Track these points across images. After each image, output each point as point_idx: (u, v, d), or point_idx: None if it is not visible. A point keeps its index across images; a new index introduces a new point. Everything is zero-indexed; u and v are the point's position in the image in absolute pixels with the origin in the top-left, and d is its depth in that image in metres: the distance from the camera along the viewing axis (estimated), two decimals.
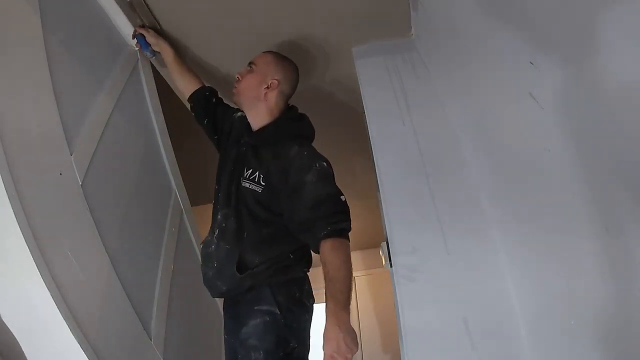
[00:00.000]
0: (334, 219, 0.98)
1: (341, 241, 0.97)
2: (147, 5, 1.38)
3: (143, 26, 1.42)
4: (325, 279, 0.93)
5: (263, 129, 1.17)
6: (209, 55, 1.61)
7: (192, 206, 1.67)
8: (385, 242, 1.16)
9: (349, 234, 1.01)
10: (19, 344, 0.80)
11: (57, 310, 0.78)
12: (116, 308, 1.02)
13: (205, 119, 1.33)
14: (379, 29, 1.52)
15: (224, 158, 1.24)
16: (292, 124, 1.21)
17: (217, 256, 1.10)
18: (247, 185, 1.11)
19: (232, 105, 1.32)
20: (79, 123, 1.07)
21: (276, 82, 1.17)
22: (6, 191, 0.75)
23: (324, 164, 1.10)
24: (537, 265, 0.89)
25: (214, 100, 1.36)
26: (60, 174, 0.94)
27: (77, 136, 1.04)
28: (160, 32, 1.45)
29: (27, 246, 0.76)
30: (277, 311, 1.00)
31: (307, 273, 1.13)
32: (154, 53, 1.46)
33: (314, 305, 1.11)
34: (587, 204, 0.66)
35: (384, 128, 1.33)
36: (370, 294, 3.92)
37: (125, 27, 1.43)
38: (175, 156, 1.62)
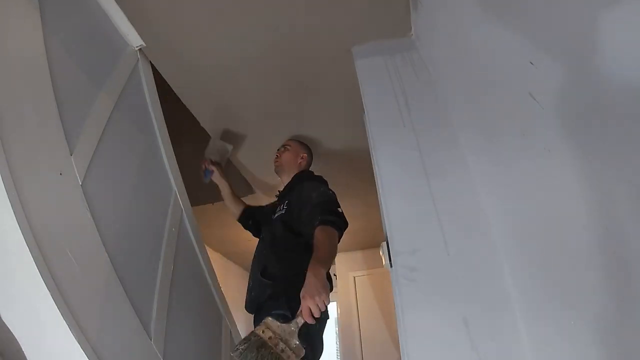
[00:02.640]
0: (327, 215, 1.28)
1: (329, 227, 1.24)
2: (229, 159, 2.05)
3: (213, 163, 1.92)
4: (313, 251, 1.18)
5: (289, 181, 1.68)
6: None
7: (192, 206, 1.67)
8: (385, 242, 1.16)
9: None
10: (19, 344, 0.80)
11: (57, 310, 0.78)
12: (116, 308, 1.02)
13: (250, 223, 1.87)
14: (379, 29, 1.52)
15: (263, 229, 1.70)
16: (305, 172, 1.74)
17: (252, 276, 1.44)
18: (276, 215, 1.53)
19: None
20: (79, 123, 1.07)
21: (306, 156, 1.81)
22: (6, 191, 0.75)
23: (329, 190, 1.49)
24: (537, 265, 0.89)
25: (251, 210, 1.90)
26: (60, 174, 0.94)
27: (77, 136, 1.04)
28: (223, 169, 1.96)
29: (27, 247, 0.76)
30: (289, 315, 1.18)
31: None
32: (210, 180, 1.93)
33: (327, 313, 1.29)
34: (587, 204, 0.66)
35: (384, 128, 1.33)
36: (370, 294, 3.93)
37: (125, 27, 1.43)
38: (175, 156, 1.62)
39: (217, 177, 1.91)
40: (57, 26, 1.08)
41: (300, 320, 1.03)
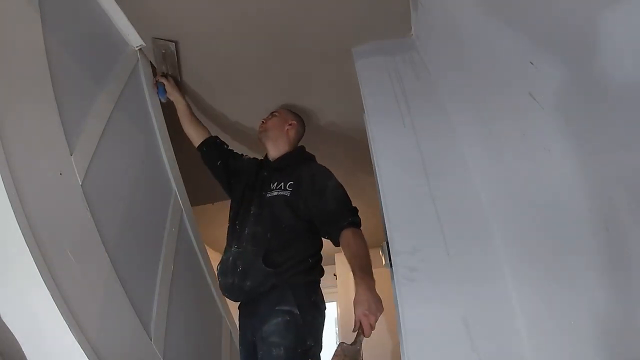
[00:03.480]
0: (352, 214, 1.26)
1: (359, 230, 1.24)
2: (178, 58, 1.62)
3: (165, 75, 1.64)
4: (350, 257, 1.15)
5: (284, 155, 1.50)
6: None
7: (192, 206, 1.67)
8: (385, 242, 1.16)
9: None
10: (19, 344, 0.80)
11: (57, 310, 0.78)
12: (116, 308, 1.02)
13: (218, 161, 1.59)
14: (379, 29, 1.52)
15: (237, 190, 1.49)
16: (306, 152, 1.58)
17: (244, 260, 1.24)
18: (274, 194, 1.34)
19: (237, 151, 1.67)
20: (79, 123, 1.07)
21: (295, 123, 1.59)
22: (6, 191, 0.75)
23: (334, 177, 1.40)
24: (537, 265, 0.89)
25: (225, 146, 1.65)
26: (60, 174, 0.94)
27: (77, 136, 1.04)
28: (178, 83, 1.69)
29: (27, 246, 0.76)
30: (297, 311, 1.14)
31: (320, 278, 1.29)
32: (167, 99, 1.66)
33: (326, 309, 1.28)
34: (587, 204, 0.66)
35: (384, 128, 1.33)
36: None
37: (125, 27, 1.43)
38: (175, 156, 1.62)
39: (170, 91, 1.62)
40: (57, 26, 1.08)
41: (361, 338, 1.06)
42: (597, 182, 0.62)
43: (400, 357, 1.05)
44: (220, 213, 3.06)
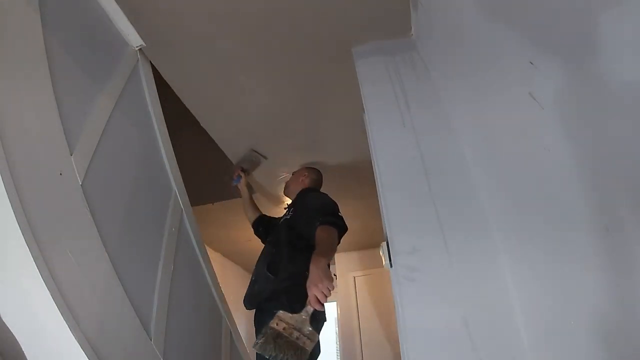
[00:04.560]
0: (328, 217, 1.42)
1: (328, 226, 1.38)
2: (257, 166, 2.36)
3: (244, 171, 2.26)
4: (316, 246, 1.30)
5: (297, 194, 1.90)
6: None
7: (192, 206, 1.67)
8: (385, 242, 1.16)
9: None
10: (19, 344, 0.80)
11: (57, 310, 0.78)
12: (116, 308, 1.02)
13: (261, 230, 2.03)
14: (379, 29, 1.52)
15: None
16: (312, 188, 1.93)
17: (256, 271, 1.55)
18: (282, 220, 1.72)
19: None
20: (79, 123, 1.07)
21: (308, 174, 2.04)
22: (6, 191, 0.75)
23: (331, 200, 1.65)
24: (537, 265, 0.89)
25: (266, 219, 2.09)
26: (60, 174, 0.94)
27: (77, 136, 1.04)
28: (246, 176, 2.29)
29: (27, 246, 0.76)
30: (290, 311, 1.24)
31: None
32: (236, 186, 2.26)
33: (325, 315, 1.40)
34: (587, 204, 0.66)
35: (384, 128, 1.33)
36: (370, 293, 3.92)
37: (125, 27, 1.43)
38: (175, 156, 1.62)
39: (241, 184, 2.21)
40: (57, 26, 1.08)
41: (309, 309, 1.13)
42: (597, 182, 0.62)
43: (401, 357, 1.05)
44: (220, 213, 3.08)
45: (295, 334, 1.09)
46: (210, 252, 1.87)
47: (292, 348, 1.07)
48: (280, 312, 1.13)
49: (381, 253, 1.17)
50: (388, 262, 1.12)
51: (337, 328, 4.32)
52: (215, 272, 1.75)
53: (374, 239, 3.66)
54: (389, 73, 1.45)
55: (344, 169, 2.49)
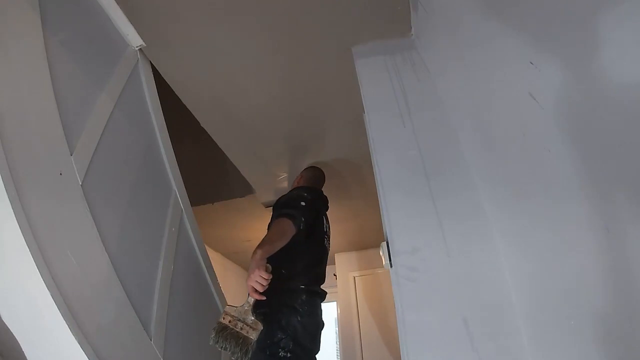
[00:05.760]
0: (282, 210, 1.43)
1: (282, 219, 1.38)
2: None
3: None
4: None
5: None
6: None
7: (192, 206, 1.67)
8: (385, 242, 1.16)
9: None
10: (19, 344, 0.80)
11: (57, 310, 0.78)
12: (116, 309, 1.02)
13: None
14: (379, 29, 1.52)
15: None
16: (300, 185, 1.92)
17: None
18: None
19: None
20: (79, 123, 1.07)
21: (302, 174, 2.04)
22: (6, 191, 0.75)
23: (301, 191, 1.62)
24: (538, 266, 0.89)
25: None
26: (60, 174, 0.94)
27: (77, 136, 1.04)
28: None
29: (27, 246, 0.76)
30: (267, 310, 1.29)
31: (303, 287, 1.41)
32: None
33: (318, 310, 1.42)
34: (587, 204, 0.66)
35: (384, 128, 1.33)
36: (370, 294, 3.92)
37: (125, 27, 1.43)
38: (175, 156, 1.62)
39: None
40: (57, 26, 1.08)
41: (250, 299, 1.21)
42: (597, 181, 0.62)
43: (401, 357, 1.05)
44: (220, 213, 3.08)
45: (239, 324, 1.19)
46: (210, 252, 1.87)
47: (234, 338, 1.17)
48: (227, 307, 1.23)
49: (381, 253, 1.17)
50: (388, 262, 1.12)
51: (337, 328, 4.32)
52: (215, 272, 1.75)
53: (374, 239, 3.66)
54: (389, 73, 1.45)
55: (344, 168, 2.48)
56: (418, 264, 1.08)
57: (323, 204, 1.79)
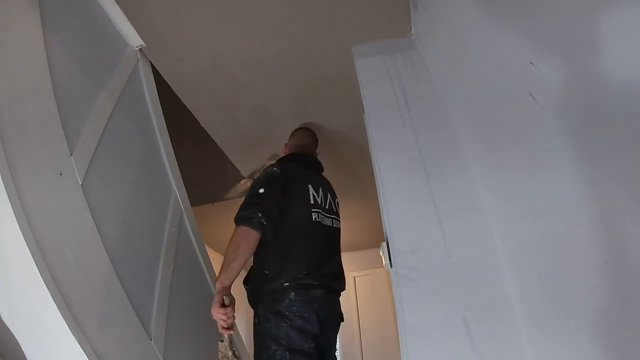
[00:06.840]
0: (239, 211, 1.24)
1: (239, 228, 1.20)
2: None
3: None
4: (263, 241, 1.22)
5: None
6: None
7: (192, 206, 1.67)
8: (385, 242, 1.16)
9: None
10: (19, 344, 0.80)
11: (57, 310, 0.78)
12: (116, 308, 1.02)
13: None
14: (379, 29, 1.52)
15: None
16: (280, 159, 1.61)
17: None
18: None
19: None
20: (79, 123, 1.07)
21: (287, 143, 1.83)
22: (6, 191, 0.75)
23: (262, 176, 1.35)
24: (538, 266, 0.89)
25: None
26: (60, 174, 0.94)
27: (77, 136, 1.04)
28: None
29: (27, 247, 0.76)
30: (257, 321, 1.26)
31: (288, 284, 1.23)
32: None
33: (302, 311, 1.21)
34: (587, 204, 0.66)
35: (384, 128, 1.33)
36: (370, 293, 3.92)
37: (125, 27, 1.43)
38: (175, 156, 1.62)
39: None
40: (57, 26, 1.08)
41: (224, 334, 1.19)
42: (597, 181, 0.62)
43: (401, 357, 1.05)
44: (220, 213, 3.08)
45: None
46: (210, 252, 1.87)
47: None
48: (219, 343, 1.24)
49: (381, 253, 1.17)
50: (388, 262, 1.12)
51: None
52: (215, 272, 1.75)
53: (374, 239, 3.66)
54: (389, 73, 1.45)
55: (344, 168, 2.49)
56: (418, 264, 1.08)
57: (305, 168, 1.49)
